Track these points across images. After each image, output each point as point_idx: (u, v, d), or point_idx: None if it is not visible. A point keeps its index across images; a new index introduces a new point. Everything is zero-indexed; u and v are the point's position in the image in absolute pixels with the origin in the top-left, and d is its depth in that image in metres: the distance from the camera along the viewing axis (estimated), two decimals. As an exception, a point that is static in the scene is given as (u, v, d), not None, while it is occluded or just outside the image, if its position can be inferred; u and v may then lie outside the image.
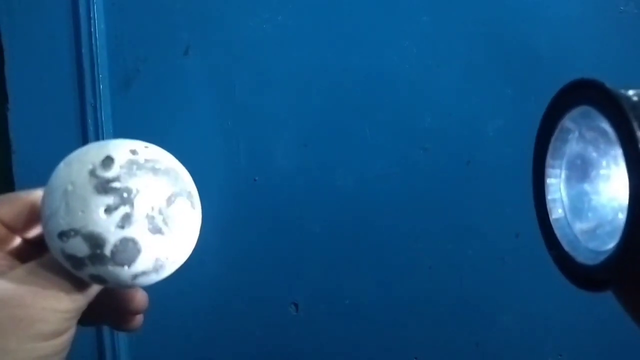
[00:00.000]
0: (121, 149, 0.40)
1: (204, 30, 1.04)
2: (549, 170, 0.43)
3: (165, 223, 0.39)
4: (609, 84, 0.36)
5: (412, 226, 1.04)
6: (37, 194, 0.43)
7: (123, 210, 0.38)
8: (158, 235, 0.39)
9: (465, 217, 1.04)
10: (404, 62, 1.02)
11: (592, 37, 0.98)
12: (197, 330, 1.10)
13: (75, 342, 0.43)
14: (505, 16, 1.00)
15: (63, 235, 0.38)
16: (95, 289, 0.42)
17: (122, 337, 1.09)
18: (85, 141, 1.05)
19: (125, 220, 0.38)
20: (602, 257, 0.36)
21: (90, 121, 1.05)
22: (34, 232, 0.44)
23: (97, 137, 1.05)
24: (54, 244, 0.39)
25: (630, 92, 0.35)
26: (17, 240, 0.44)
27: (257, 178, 1.05)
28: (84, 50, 1.04)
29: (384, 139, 1.03)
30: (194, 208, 0.42)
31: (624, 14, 0.98)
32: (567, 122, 0.41)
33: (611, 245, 0.36)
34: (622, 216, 0.35)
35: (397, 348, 1.06)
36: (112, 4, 1.05)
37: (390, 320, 1.06)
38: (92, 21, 1.04)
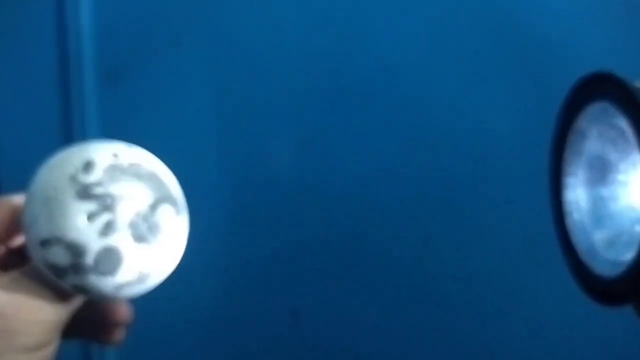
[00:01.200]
0: (103, 152, 0.40)
1: (196, 20, 1.03)
2: (566, 169, 0.41)
3: (150, 231, 0.40)
4: (629, 77, 0.34)
5: (417, 228, 1.03)
6: (19, 199, 0.42)
7: (105, 217, 0.38)
8: (142, 244, 0.39)
9: (474, 219, 1.02)
10: (408, 54, 1.00)
11: (607, 30, 0.96)
12: (192, 337, 1.09)
13: (62, 357, 0.43)
14: (516, 8, 0.98)
15: (45, 243, 0.38)
16: (78, 300, 0.42)
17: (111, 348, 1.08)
18: (69, 139, 1.04)
19: (108, 228, 0.38)
20: (620, 269, 0.35)
21: (75, 118, 1.04)
22: (17, 239, 0.44)
23: (83, 135, 1.04)
24: (36, 252, 0.39)
25: None
26: (0, 249, 0.44)
27: (255, 178, 1.04)
28: (69, 42, 1.03)
29: (387, 138, 1.02)
30: (179, 214, 0.42)
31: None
32: (586, 117, 0.39)
33: (629, 256, 0.34)
34: (639, 228, 0.34)
35: (402, 353, 1.05)
36: (99, -7, 1.05)
37: (392, 323, 1.04)
38: (77, 11, 1.02)
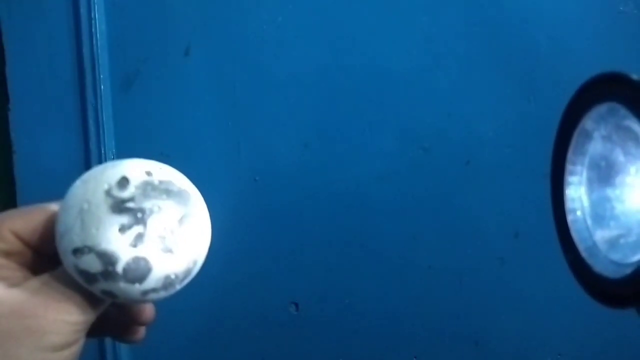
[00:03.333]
0: (136, 169, 0.41)
1: (204, 31, 1.04)
2: (569, 167, 0.40)
3: (176, 243, 0.40)
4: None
5: (411, 226, 1.05)
6: (52, 208, 0.43)
7: (136, 230, 0.39)
8: (169, 255, 0.40)
9: (464, 217, 1.04)
10: (403, 62, 1.02)
11: (591, 38, 0.99)
12: (197, 329, 1.10)
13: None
14: (505, 16, 1.00)
15: (77, 251, 0.39)
16: (105, 302, 0.42)
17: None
18: (86, 141, 1.05)
19: (138, 240, 0.39)
20: (625, 271, 0.33)
21: (91, 121, 1.05)
22: (48, 246, 0.44)
23: (98, 138, 1.05)
24: (68, 259, 0.40)
25: None
26: (32, 254, 0.44)
27: (257, 178, 1.06)
28: (85, 50, 1.04)
29: (384, 139, 1.04)
30: (204, 229, 0.43)
31: (624, 14, 0.98)
32: (592, 117, 0.38)
33: (635, 258, 0.33)
34: None
35: (397, 347, 1.07)
36: (113, 5, 1.05)
37: (390, 319, 1.07)
38: (92, 22, 1.04)
